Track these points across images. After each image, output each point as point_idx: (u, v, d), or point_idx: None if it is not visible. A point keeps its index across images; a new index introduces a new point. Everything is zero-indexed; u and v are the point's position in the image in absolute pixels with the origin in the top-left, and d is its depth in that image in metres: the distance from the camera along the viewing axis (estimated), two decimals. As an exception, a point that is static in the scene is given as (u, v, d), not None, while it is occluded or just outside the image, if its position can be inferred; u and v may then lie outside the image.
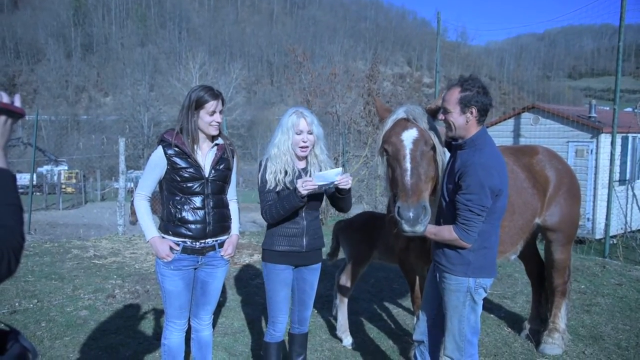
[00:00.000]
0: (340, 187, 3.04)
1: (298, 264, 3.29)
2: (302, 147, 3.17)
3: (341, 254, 4.95)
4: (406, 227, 2.77)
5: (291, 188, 3.10)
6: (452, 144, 3.00)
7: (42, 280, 6.13)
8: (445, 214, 2.90)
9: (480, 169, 2.69)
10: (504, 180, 2.79)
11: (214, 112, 3.07)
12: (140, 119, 56.60)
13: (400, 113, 3.04)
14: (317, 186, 2.96)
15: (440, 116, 2.89)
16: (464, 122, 2.79)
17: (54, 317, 4.94)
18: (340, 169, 3.02)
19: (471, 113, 2.77)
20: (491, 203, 2.73)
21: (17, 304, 5.27)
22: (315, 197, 3.22)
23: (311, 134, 3.17)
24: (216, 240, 3.20)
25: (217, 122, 3.10)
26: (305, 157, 3.27)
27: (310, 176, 3.11)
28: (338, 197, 3.20)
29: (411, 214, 2.73)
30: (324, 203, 3.46)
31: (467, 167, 2.72)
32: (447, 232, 2.80)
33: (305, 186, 2.93)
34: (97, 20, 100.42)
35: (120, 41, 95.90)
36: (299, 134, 3.15)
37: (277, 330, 3.35)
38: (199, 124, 3.08)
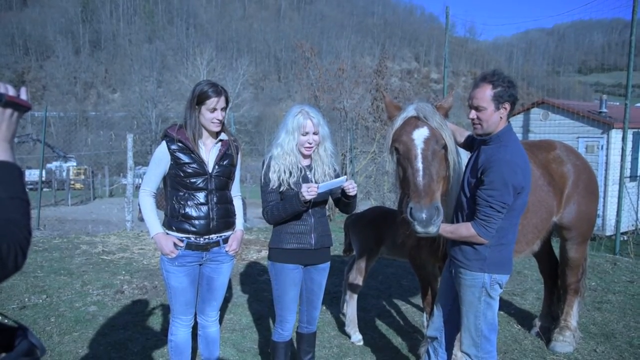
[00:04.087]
0: (347, 193, 3.09)
1: (307, 263, 3.25)
2: (307, 147, 3.16)
3: None
4: (419, 229, 2.73)
5: (295, 189, 3.09)
6: (476, 139, 2.95)
7: (51, 276, 6.15)
8: (465, 209, 2.87)
9: (504, 165, 2.66)
10: (527, 177, 2.76)
11: (214, 110, 3.03)
12: (148, 115, 56.76)
13: (410, 111, 2.98)
14: (319, 193, 2.99)
15: (472, 114, 2.82)
16: (497, 118, 2.77)
17: (63, 313, 4.96)
18: (345, 177, 3.06)
19: (505, 108, 2.76)
20: (512, 200, 2.69)
21: (26, 299, 5.29)
22: (323, 194, 3.20)
23: (317, 134, 3.14)
24: (220, 236, 3.18)
25: (218, 120, 3.06)
26: (310, 155, 3.25)
27: (315, 181, 3.14)
28: (344, 201, 3.23)
29: (424, 216, 2.69)
30: (330, 200, 3.44)
31: (491, 162, 2.69)
32: (465, 229, 2.77)
33: (310, 191, 2.94)
34: (105, 16, 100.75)
35: (128, 38, 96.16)
36: (305, 135, 3.12)
37: (285, 329, 3.32)
38: (201, 120, 3.06)
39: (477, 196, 2.72)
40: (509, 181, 2.63)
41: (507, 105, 2.75)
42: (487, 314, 2.85)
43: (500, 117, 2.77)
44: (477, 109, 2.78)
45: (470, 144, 3.16)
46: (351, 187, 3.06)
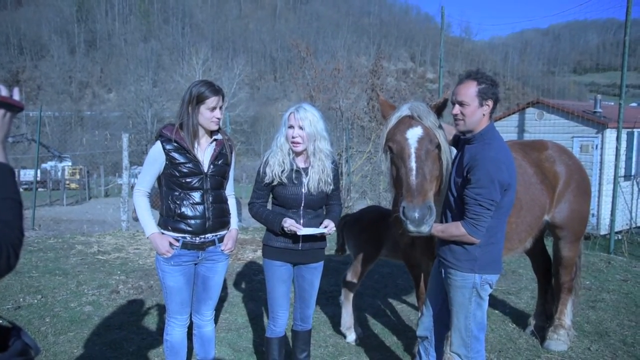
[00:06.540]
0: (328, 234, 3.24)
1: (296, 262, 3.28)
2: (293, 142, 3.17)
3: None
4: (411, 228, 2.74)
5: (286, 182, 3.15)
6: (460, 138, 2.97)
7: (46, 276, 6.13)
8: (453, 208, 2.87)
9: (489, 162, 2.68)
10: (512, 174, 2.77)
11: (214, 108, 3.05)
12: (144, 115, 56.61)
13: (404, 110, 3.00)
14: (298, 231, 3.10)
15: (456, 109, 2.84)
16: (480, 115, 2.80)
17: (58, 313, 4.95)
18: (322, 227, 3.17)
19: (488, 106, 2.79)
20: (500, 197, 2.70)
21: (21, 299, 5.28)
22: (316, 197, 3.22)
23: (302, 129, 3.14)
24: (216, 235, 3.20)
25: (218, 118, 3.09)
26: (303, 154, 3.24)
27: (309, 189, 3.21)
28: None
29: (416, 215, 2.70)
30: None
31: (477, 160, 2.71)
32: (455, 229, 2.78)
33: (290, 228, 3.07)
34: (100, 16, 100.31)
35: (123, 37, 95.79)
36: (290, 128, 3.17)
37: (278, 325, 3.35)
38: (199, 120, 3.06)
39: (465, 195, 2.73)
40: (495, 178, 2.65)
41: (490, 103, 2.79)
42: (477, 314, 2.86)
43: (483, 114, 2.80)
44: (461, 104, 2.81)
45: (456, 142, 3.18)
46: (328, 230, 3.15)
